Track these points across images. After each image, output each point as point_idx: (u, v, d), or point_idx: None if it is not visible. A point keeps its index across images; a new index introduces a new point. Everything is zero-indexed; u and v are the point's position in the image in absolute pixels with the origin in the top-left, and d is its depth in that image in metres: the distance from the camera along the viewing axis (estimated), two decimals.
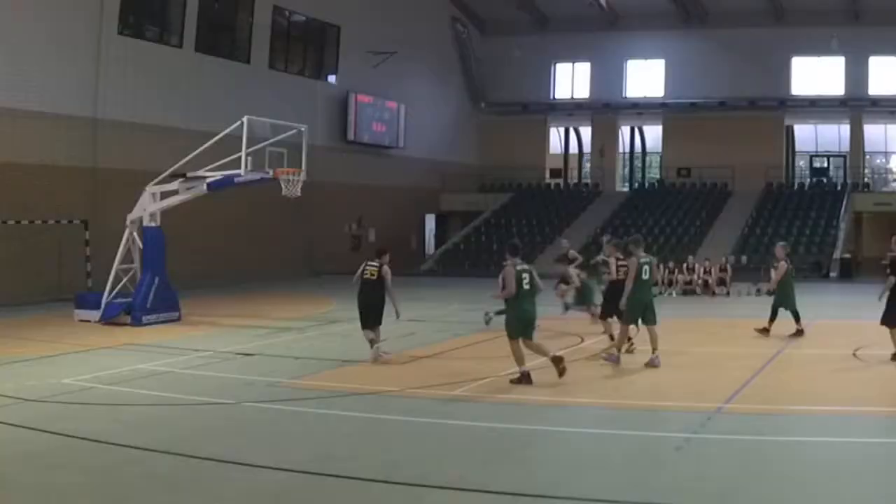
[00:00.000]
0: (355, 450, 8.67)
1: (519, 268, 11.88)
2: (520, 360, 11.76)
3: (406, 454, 8.49)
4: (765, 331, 16.17)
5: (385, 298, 13.72)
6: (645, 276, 13.12)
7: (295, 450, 8.61)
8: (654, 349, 13.03)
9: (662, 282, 26.00)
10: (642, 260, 13.18)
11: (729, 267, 26.82)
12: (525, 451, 8.70)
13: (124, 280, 19.23)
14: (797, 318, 16.30)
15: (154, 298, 18.62)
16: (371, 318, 13.77)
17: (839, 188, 39.06)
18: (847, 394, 11.01)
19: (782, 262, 16.62)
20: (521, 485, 7.39)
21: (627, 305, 13.11)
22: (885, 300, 13.13)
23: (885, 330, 13.21)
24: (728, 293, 25.56)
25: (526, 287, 11.82)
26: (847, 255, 32.59)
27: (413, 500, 7.27)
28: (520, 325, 11.85)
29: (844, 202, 36.68)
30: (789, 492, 7.24)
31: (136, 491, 7.40)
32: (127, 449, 8.54)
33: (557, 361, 11.81)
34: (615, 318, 14.05)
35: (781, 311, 16.40)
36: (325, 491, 7.52)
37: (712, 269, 26.25)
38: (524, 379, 11.64)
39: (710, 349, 15.21)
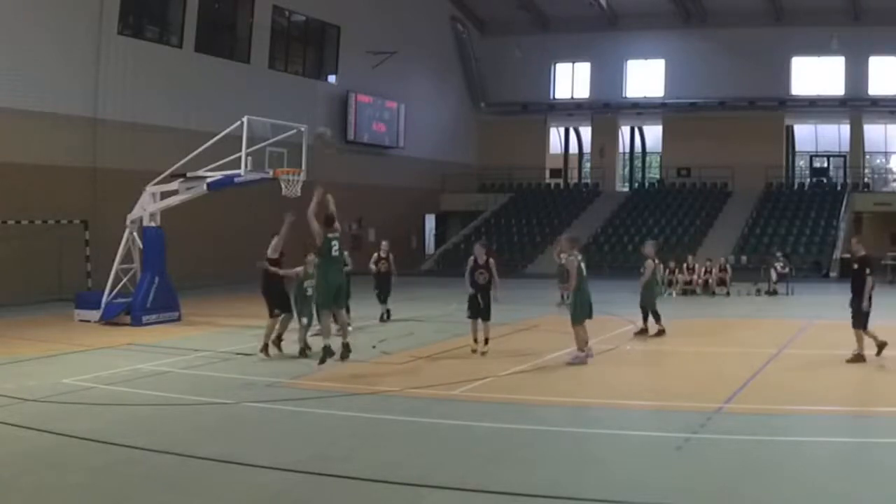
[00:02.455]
0: (355, 450, 8.67)
1: (330, 235, 12.55)
2: (327, 332, 12.45)
3: (406, 454, 8.49)
4: (644, 331, 16.26)
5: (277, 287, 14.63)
6: (584, 273, 13.63)
7: (295, 450, 8.61)
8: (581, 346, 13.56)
9: (662, 282, 25.96)
10: (580, 258, 13.72)
11: (729, 267, 26.81)
12: (525, 451, 8.69)
13: (124, 280, 19.24)
14: (658, 318, 16.30)
15: (154, 298, 18.64)
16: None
17: (839, 188, 39.05)
18: (847, 394, 11.01)
19: (649, 261, 16.55)
20: (521, 485, 7.39)
21: (575, 304, 13.66)
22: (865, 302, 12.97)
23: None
24: (728, 293, 25.55)
25: (335, 254, 12.49)
26: (847, 255, 32.56)
27: (413, 500, 7.27)
28: (330, 293, 12.50)
29: (844, 202, 36.67)
30: (789, 492, 7.23)
31: (136, 491, 7.40)
32: (127, 449, 8.54)
33: (346, 347, 12.52)
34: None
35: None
36: (324, 491, 7.52)
37: (712, 269, 26.24)
38: (326, 353, 12.31)
39: (710, 349, 15.21)
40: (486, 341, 14.35)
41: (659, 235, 35.86)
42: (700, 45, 39.95)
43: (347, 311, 17.48)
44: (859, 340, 12.99)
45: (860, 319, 13.01)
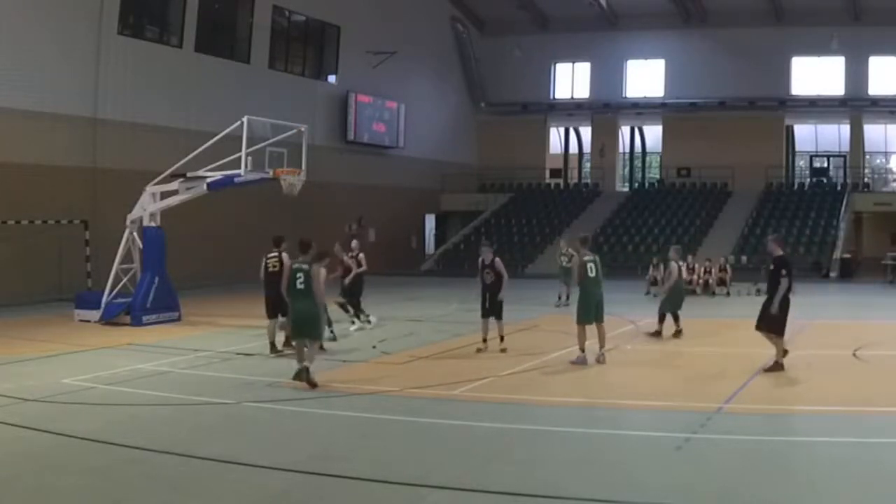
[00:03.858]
0: (355, 450, 8.68)
1: (296, 266, 11.94)
2: (299, 357, 11.78)
3: (406, 454, 8.49)
4: (658, 334, 16.28)
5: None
6: (591, 274, 13.46)
7: (295, 450, 8.61)
8: (601, 346, 13.50)
9: (663, 282, 25.95)
10: (586, 258, 13.56)
11: (729, 267, 26.78)
12: (525, 451, 8.70)
13: (124, 280, 19.24)
14: (676, 319, 16.55)
15: (154, 298, 18.63)
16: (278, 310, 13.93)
17: (839, 188, 39.04)
18: (847, 394, 11.01)
19: (672, 264, 16.65)
20: (521, 485, 7.39)
21: (578, 304, 13.53)
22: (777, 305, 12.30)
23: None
24: (728, 293, 25.53)
25: (300, 287, 11.78)
26: (847, 255, 32.57)
27: (413, 499, 7.27)
28: (293, 325, 12.02)
29: (844, 202, 36.67)
30: (789, 492, 7.24)
31: (136, 491, 7.40)
32: (127, 449, 8.54)
33: (305, 373, 11.45)
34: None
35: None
36: (325, 491, 7.52)
37: (712, 270, 26.23)
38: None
39: (710, 349, 15.21)
40: (501, 339, 14.51)
41: (659, 236, 35.95)
42: (700, 45, 39.94)
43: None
44: (777, 344, 12.41)
45: (769, 323, 12.32)
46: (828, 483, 7.45)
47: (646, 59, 42.61)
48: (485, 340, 14.58)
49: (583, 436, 9.32)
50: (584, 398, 11.11)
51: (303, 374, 11.50)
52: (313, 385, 11.35)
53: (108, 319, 18.50)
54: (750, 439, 8.80)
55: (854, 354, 13.72)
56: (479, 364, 13.43)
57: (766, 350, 14.41)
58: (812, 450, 8.58)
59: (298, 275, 11.81)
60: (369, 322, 17.62)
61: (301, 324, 11.87)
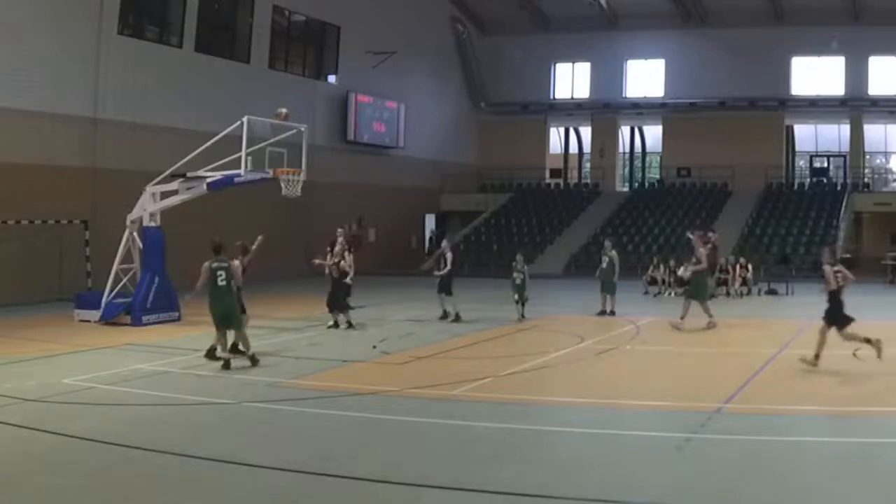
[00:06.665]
0: (355, 450, 8.68)
1: (215, 264, 13.47)
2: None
3: (406, 454, 8.49)
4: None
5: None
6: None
7: (295, 450, 8.61)
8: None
9: (663, 282, 25.97)
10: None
11: (730, 267, 26.70)
12: (525, 451, 8.70)
13: (124, 280, 19.24)
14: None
15: (154, 298, 18.64)
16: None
17: (839, 188, 39.01)
18: (847, 394, 11.01)
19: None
20: (521, 485, 7.40)
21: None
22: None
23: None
24: (728, 293, 25.52)
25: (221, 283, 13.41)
26: (847, 255, 32.54)
27: (413, 500, 7.27)
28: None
29: (844, 202, 36.63)
30: (789, 492, 7.24)
31: (136, 491, 7.40)
32: (127, 449, 8.54)
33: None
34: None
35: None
36: (325, 491, 7.52)
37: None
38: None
39: (710, 349, 15.21)
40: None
41: (659, 237, 35.91)
42: (700, 45, 39.91)
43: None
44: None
45: None
46: (828, 483, 7.44)
47: (646, 59, 42.59)
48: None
49: (583, 436, 9.32)
50: (584, 398, 11.11)
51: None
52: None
53: (108, 319, 18.51)
54: (750, 439, 8.80)
55: (854, 354, 13.70)
56: (479, 364, 13.44)
57: (766, 350, 14.45)
58: (812, 450, 8.58)
59: (220, 272, 13.37)
60: (349, 325, 17.60)
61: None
